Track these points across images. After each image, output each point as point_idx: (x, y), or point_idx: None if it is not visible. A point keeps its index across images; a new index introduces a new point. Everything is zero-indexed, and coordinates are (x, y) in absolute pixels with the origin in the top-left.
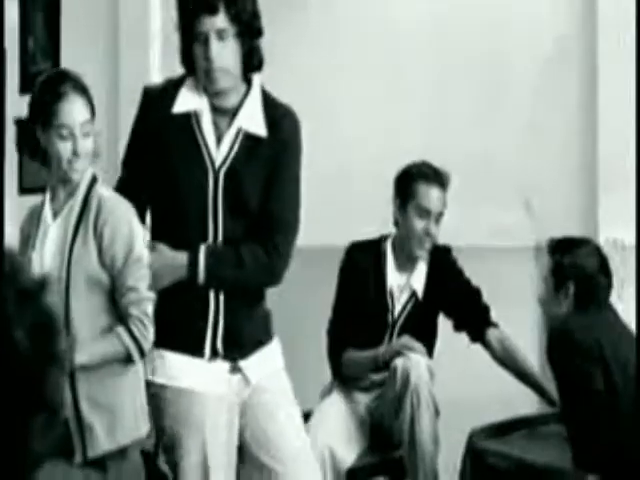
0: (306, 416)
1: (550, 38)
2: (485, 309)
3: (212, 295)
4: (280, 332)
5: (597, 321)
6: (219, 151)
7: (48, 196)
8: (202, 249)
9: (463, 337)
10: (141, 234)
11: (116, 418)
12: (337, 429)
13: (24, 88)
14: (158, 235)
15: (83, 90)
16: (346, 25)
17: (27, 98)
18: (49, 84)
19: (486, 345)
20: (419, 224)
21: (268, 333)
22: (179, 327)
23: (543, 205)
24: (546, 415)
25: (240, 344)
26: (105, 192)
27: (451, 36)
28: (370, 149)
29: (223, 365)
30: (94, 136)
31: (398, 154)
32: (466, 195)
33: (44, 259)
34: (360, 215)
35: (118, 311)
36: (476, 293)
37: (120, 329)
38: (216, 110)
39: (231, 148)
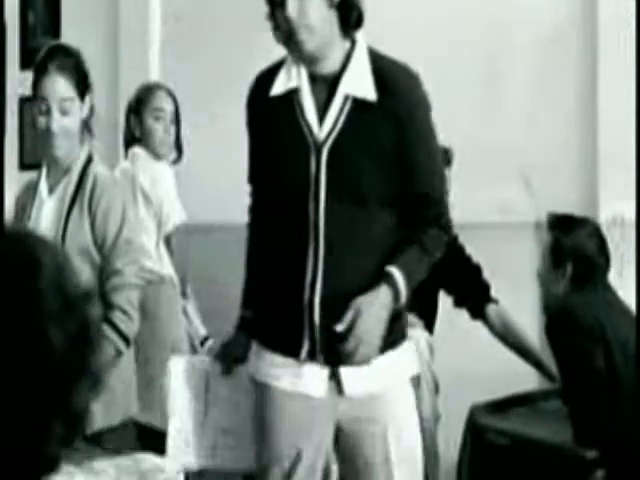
0: None
1: (550, 20)
2: (485, 286)
3: (307, 289)
4: None
5: (596, 300)
6: (322, 126)
7: (44, 171)
8: (398, 277)
9: (463, 313)
10: (133, 217)
11: (112, 397)
12: None
13: (24, 64)
14: (259, 226)
15: (71, 67)
16: None
17: (27, 74)
18: (40, 57)
19: (486, 321)
20: None
21: (390, 335)
22: (276, 324)
23: (543, 181)
24: (546, 391)
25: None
26: (101, 171)
27: (452, 19)
28: None
29: (321, 369)
30: (84, 116)
31: None
32: (466, 172)
33: (39, 232)
34: None
35: (102, 298)
36: (476, 270)
37: (104, 327)
38: (316, 81)
39: (336, 121)
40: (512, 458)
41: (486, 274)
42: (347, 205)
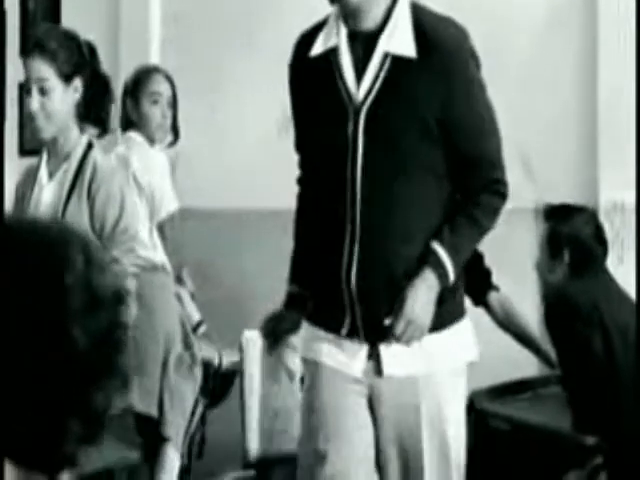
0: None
1: (550, 3)
2: (487, 273)
3: (344, 267)
4: (274, 298)
5: (594, 287)
6: (361, 86)
7: (44, 157)
8: (443, 256)
9: (465, 300)
10: (132, 205)
11: None
12: None
13: (24, 50)
14: (304, 200)
15: (53, 47)
16: None
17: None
18: (30, 40)
19: (487, 308)
20: None
21: (441, 315)
22: (319, 300)
23: (543, 167)
24: (547, 377)
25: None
26: (101, 159)
27: (451, 3)
28: None
29: (360, 347)
30: (74, 100)
31: None
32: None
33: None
34: None
35: None
36: (478, 257)
37: None
38: (357, 38)
39: (374, 81)
40: (512, 443)
41: (486, 261)
42: (388, 176)
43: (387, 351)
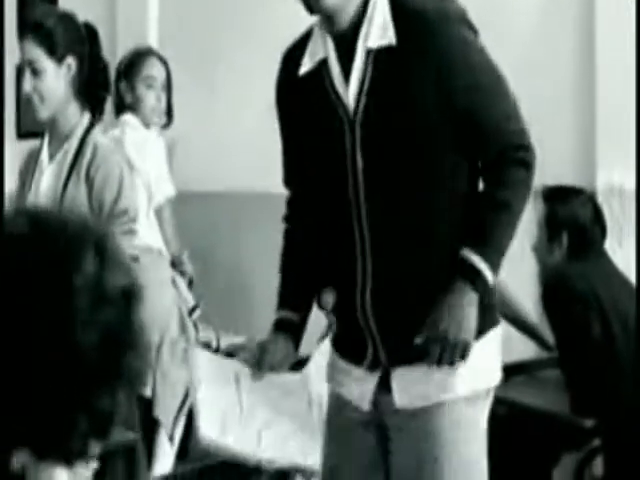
0: (300, 361)
1: None
2: None
3: (358, 294)
4: (275, 280)
5: (591, 270)
6: (349, 94)
7: (46, 139)
8: (474, 260)
9: None
10: (131, 187)
11: None
12: None
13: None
14: (299, 224)
15: (44, 28)
16: None
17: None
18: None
19: None
20: None
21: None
22: (337, 329)
23: (539, 151)
24: (543, 360)
25: (396, 346)
26: (101, 140)
27: None
28: None
29: (372, 378)
30: (68, 79)
31: None
32: None
33: (38, 199)
34: None
35: None
36: None
37: None
38: (340, 42)
39: (361, 84)
40: (509, 426)
41: None
42: (392, 186)
43: (400, 381)
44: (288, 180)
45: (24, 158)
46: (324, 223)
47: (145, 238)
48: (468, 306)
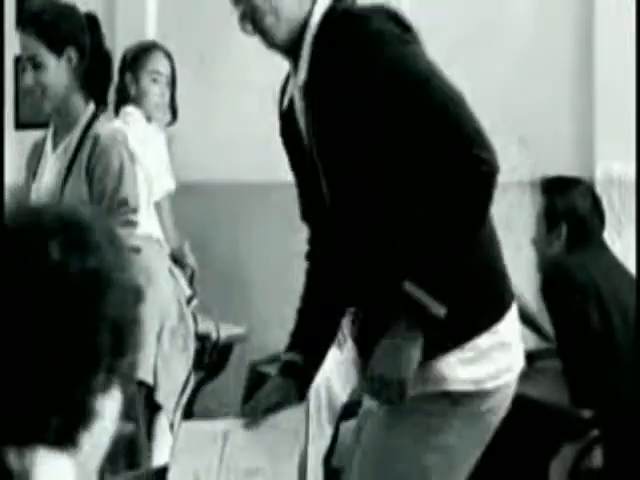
0: None
1: None
2: None
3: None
4: (272, 271)
5: (591, 260)
6: (305, 125)
7: (51, 129)
8: (414, 292)
9: None
10: (132, 177)
11: None
12: (334, 364)
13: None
14: (314, 248)
15: (41, 20)
16: None
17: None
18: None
19: None
20: None
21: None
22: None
23: (539, 140)
24: (542, 351)
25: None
26: (104, 130)
27: None
28: None
29: None
30: (69, 70)
31: None
32: None
33: (41, 188)
34: None
35: None
36: None
37: None
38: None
39: (308, 123)
40: (508, 416)
41: None
42: (352, 222)
43: None
44: (303, 215)
45: (30, 148)
46: (323, 259)
47: (145, 228)
48: (406, 345)
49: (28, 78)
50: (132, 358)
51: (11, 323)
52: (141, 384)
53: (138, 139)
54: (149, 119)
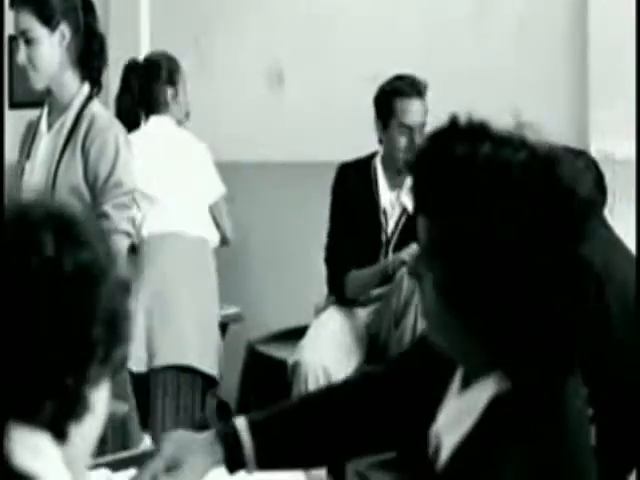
0: (295, 332)
1: None
2: None
3: None
4: (268, 250)
5: (590, 239)
6: None
7: (45, 109)
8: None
9: None
10: (127, 160)
11: None
12: (333, 347)
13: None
14: None
15: (40, 3)
16: None
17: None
18: None
19: None
20: (403, 141)
21: None
22: None
23: (534, 118)
24: None
25: None
26: (99, 111)
27: None
28: (360, 66)
29: None
30: (62, 47)
31: (391, 71)
32: (455, 107)
33: (34, 168)
34: (348, 132)
35: None
36: None
37: None
38: None
39: None
40: None
41: None
42: None
43: None
44: None
45: (25, 127)
46: None
47: (195, 230)
48: None
49: (21, 54)
50: (124, 349)
51: (8, 319)
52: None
53: (184, 145)
54: (179, 123)
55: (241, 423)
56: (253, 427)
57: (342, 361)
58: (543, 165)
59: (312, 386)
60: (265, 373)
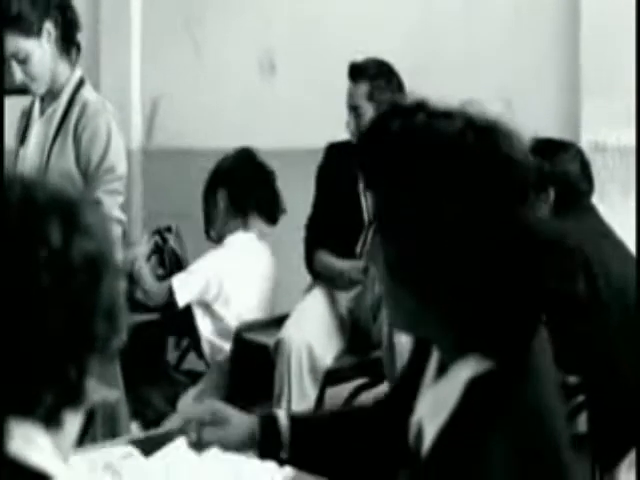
0: (283, 319)
1: None
2: None
3: None
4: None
5: (578, 225)
6: None
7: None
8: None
9: None
10: (119, 145)
11: None
12: (316, 327)
13: None
14: None
15: (13, 12)
16: None
17: None
18: None
19: None
20: (350, 124)
21: None
22: None
23: (525, 106)
24: None
25: None
26: (91, 97)
27: None
28: (352, 54)
29: None
30: (50, 42)
31: (381, 56)
32: (447, 94)
33: (26, 153)
34: (339, 119)
35: None
36: None
37: None
38: None
39: None
40: None
41: None
42: None
43: None
44: None
45: (20, 113)
46: None
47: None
48: None
49: (18, 74)
50: (120, 339)
51: (11, 312)
52: None
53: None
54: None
55: (280, 412)
56: (292, 419)
57: (325, 344)
58: (478, 132)
59: (295, 365)
60: (252, 360)
